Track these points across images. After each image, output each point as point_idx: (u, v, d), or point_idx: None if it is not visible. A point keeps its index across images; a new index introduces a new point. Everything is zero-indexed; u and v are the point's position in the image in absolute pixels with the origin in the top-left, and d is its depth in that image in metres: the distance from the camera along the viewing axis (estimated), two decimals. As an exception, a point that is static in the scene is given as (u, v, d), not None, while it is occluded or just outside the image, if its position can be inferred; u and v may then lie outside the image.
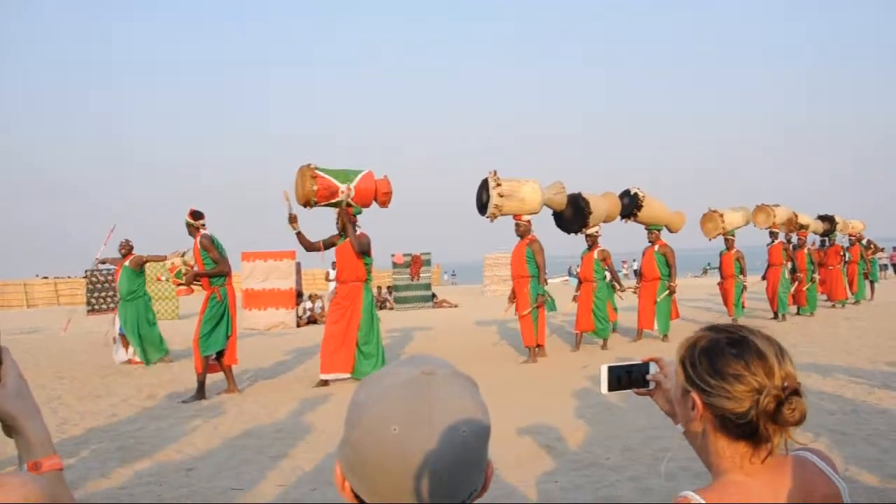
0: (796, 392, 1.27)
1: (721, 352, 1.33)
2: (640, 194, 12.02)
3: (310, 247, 8.81)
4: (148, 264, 11.75)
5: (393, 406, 0.94)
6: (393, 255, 23.58)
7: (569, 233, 11.53)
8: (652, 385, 1.68)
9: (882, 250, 32.36)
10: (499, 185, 9.77)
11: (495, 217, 9.97)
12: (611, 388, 1.67)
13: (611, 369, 1.67)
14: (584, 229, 11.32)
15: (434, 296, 24.32)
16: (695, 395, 1.33)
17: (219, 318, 8.18)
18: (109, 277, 22.41)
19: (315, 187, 8.38)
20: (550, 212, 11.08)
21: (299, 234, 8.70)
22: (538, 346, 10.15)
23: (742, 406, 1.27)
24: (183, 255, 8.74)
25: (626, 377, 1.68)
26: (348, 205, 8.63)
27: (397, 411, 0.93)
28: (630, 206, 12.03)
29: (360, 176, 8.70)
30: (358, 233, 8.66)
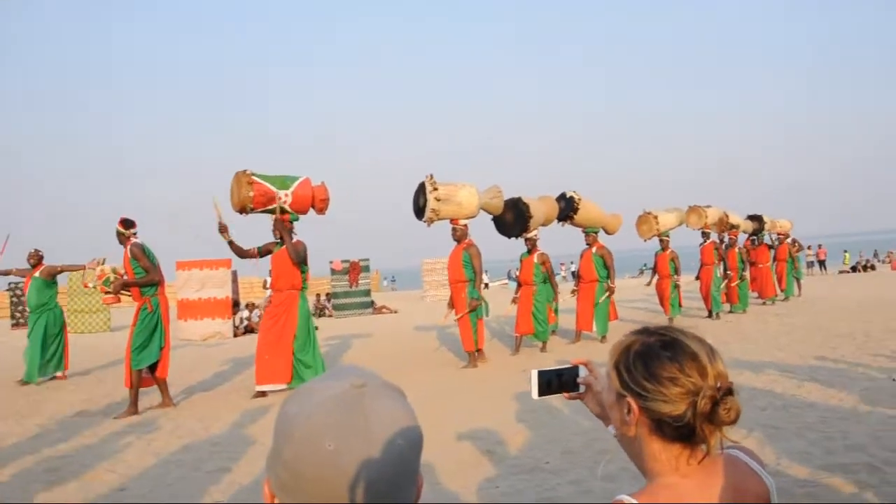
0: (730, 391, 1.28)
1: (655, 355, 1.32)
2: (577, 197, 12.19)
3: (243, 254, 8.65)
4: (74, 273, 11.28)
5: (326, 422, 0.91)
6: (331, 262, 23.40)
7: (509, 237, 11.61)
8: (582, 388, 1.68)
9: (808, 248, 33.55)
10: (435, 189, 9.77)
11: (432, 221, 9.95)
12: (541, 392, 1.66)
13: (541, 374, 1.66)
14: (524, 233, 11.41)
15: (373, 302, 24.22)
16: (630, 399, 1.33)
17: (151, 330, 7.96)
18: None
19: (251, 193, 8.25)
20: (490, 216, 11.14)
21: (231, 243, 8.53)
22: (478, 350, 10.16)
23: (678, 408, 1.27)
24: (102, 263, 8.43)
25: (557, 381, 1.67)
26: (285, 211, 8.53)
27: (331, 427, 0.91)
28: (566, 209, 12.18)
29: (297, 182, 8.60)
30: (294, 240, 8.56)
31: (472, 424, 6.20)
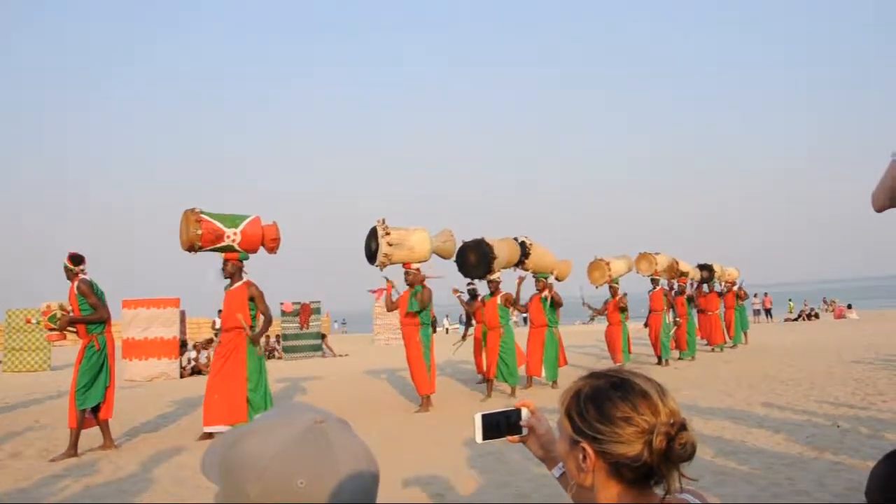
0: (684, 426, 1.27)
1: (606, 396, 1.31)
2: (528, 242, 12.28)
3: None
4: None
5: (296, 459, 0.91)
6: (282, 303, 23.11)
7: (473, 278, 11.61)
8: (525, 431, 1.66)
9: (754, 296, 34.21)
10: (388, 233, 9.76)
11: (384, 266, 9.94)
12: (485, 436, 1.65)
13: (484, 417, 1.65)
14: (488, 274, 11.37)
15: (323, 335, 24.01)
16: (585, 444, 1.31)
17: (98, 369, 7.70)
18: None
19: (199, 231, 8.15)
20: (453, 259, 11.11)
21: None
22: (428, 395, 10.06)
23: (634, 448, 1.26)
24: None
25: (500, 425, 1.66)
26: (234, 250, 8.43)
27: (301, 463, 0.90)
28: (519, 253, 12.25)
29: (246, 221, 8.53)
30: (244, 280, 8.47)
31: (422, 469, 6.12)
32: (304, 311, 23.21)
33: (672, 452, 1.25)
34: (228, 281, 8.52)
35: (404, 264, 10.17)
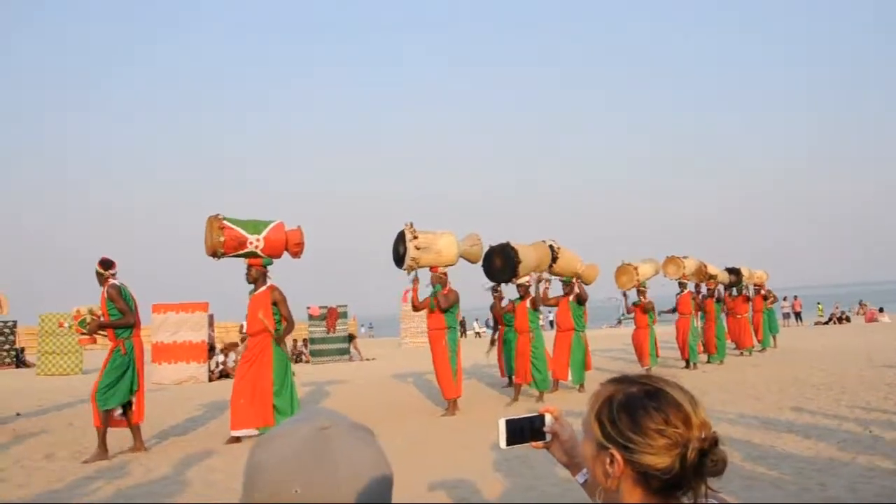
0: (716, 441, 1.26)
1: (640, 406, 1.30)
2: (556, 246, 12.24)
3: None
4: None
5: (292, 466, 0.91)
6: (308, 308, 23.23)
7: (499, 283, 11.61)
8: (549, 437, 1.66)
9: (784, 299, 33.77)
10: (415, 237, 9.79)
11: (412, 269, 9.97)
12: (509, 442, 1.65)
13: (508, 422, 1.64)
14: (513, 279, 11.35)
15: (352, 336, 24.16)
16: (615, 451, 1.30)
17: (122, 372, 7.78)
18: None
19: (222, 238, 8.22)
20: (480, 263, 11.11)
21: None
22: (454, 399, 10.05)
23: (664, 461, 1.25)
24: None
25: (524, 430, 1.65)
26: (257, 256, 8.50)
27: (297, 471, 0.91)
28: (549, 258, 12.21)
29: (270, 227, 8.60)
30: (268, 284, 8.56)
31: (447, 474, 6.12)
32: (331, 315, 23.34)
33: (703, 467, 1.24)
34: (253, 286, 8.62)
35: (431, 268, 10.19)
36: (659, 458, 1.26)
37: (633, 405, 1.31)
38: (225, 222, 8.32)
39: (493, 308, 12.77)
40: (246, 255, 8.51)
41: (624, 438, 1.29)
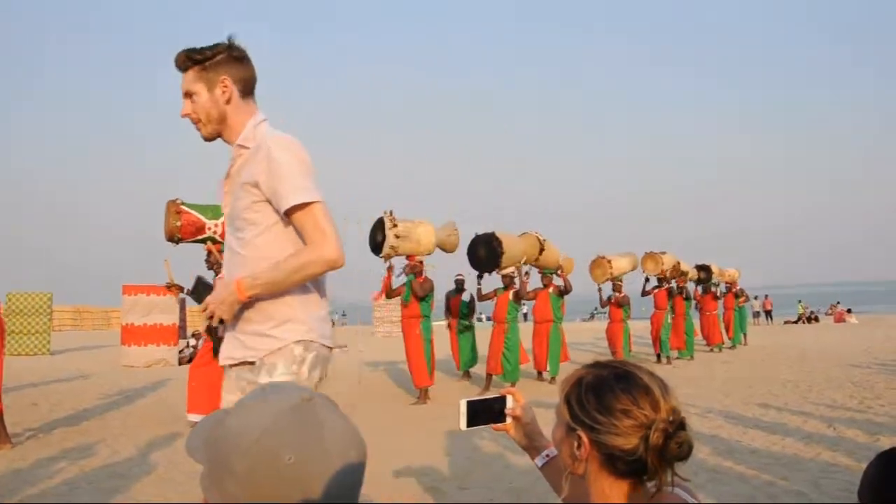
0: (682, 426, 1.27)
1: (608, 387, 1.30)
2: (541, 238, 12.26)
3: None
4: None
5: (284, 434, 0.90)
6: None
7: (482, 272, 11.58)
8: (509, 419, 1.66)
9: (755, 298, 34.23)
10: (395, 225, 9.75)
11: (390, 257, 9.95)
12: (470, 423, 1.64)
13: (469, 404, 1.64)
14: (496, 269, 11.34)
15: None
16: (581, 433, 1.30)
17: None
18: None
19: (179, 223, 8.01)
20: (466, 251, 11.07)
21: (188, 292, 8.44)
22: (426, 387, 10.06)
23: (630, 442, 1.25)
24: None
25: (485, 412, 1.65)
26: (216, 241, 8.35)
27: (289, 439, 0.90)
28: (538, 249, 12.22)
29: None
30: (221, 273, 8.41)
31: (417, 461, 6.12)
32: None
33: (668, 450, 1.24)
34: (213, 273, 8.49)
35: (408, 256, 10.17)
36: (624, 440, 1.26)
37: (601, 386, 1.32)
38: (182, 207, 8.11)
39: (449, 298, 12.80)
40: (205, 241, 8.33)
41: (590, 419, 1.29)
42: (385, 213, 9.91)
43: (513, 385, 11.06)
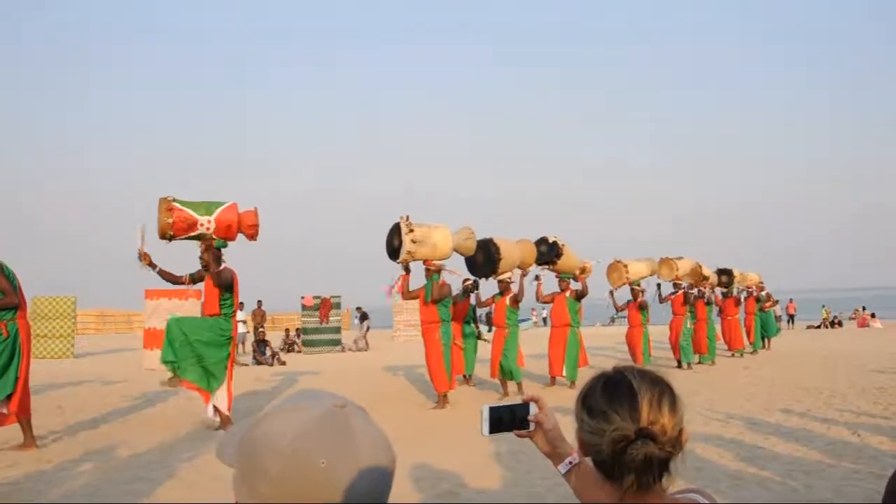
0: (648, 436, 1.27)
1: (598, 387, 1.37)
2: (560, 243, 12.24)
3: (174, 280, 8.62)
4: None
5: (318, 439, 0.93)
6: (302, 298, 23.22)
7: (479, 277, 11.61)
8: (532, 426, 1.66)
9: (776, 302, 33.87)
10: (411, 230, 9.77)
11: (407, 263, 9.97)
12: (492, 429, 1.63)
13: (491, 410, 1.63)
14: (493, 275, 11.37)
15: (341, 339, 24.09)
16: (577, 429, 1.38)
17: (8, 358, 6.95)
18: None
19: (171, 220, 8.05)
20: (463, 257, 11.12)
21: (161, 271, 8.47)
22: (445, 392, 10.07)
23: (594, 440, 1.31)
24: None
25: (507, 418, 1.64)
26: (210, 238, 8.38)
27: (323, 444, 0.93)
28: (550, 254, 12.22)
29: (221, 208, 8.39)
30: (221, 267, 8.43)
31: (435, 465, 6.13)
32: (325, 306, 23.34)
33: (624, 456, 1.27)
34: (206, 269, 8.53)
35: (425, 261, 10.19)
36: (597, 438, 1.31)
37: (595, 389, 1.38)
38: (174, 203, 8.16)
39: (456, 303, 12.83)
40: (197, 238, 8.38)
41: (577, 418, 1.38)
42: (402, 217, 9.93)
43: (520, 385, 11.18)
